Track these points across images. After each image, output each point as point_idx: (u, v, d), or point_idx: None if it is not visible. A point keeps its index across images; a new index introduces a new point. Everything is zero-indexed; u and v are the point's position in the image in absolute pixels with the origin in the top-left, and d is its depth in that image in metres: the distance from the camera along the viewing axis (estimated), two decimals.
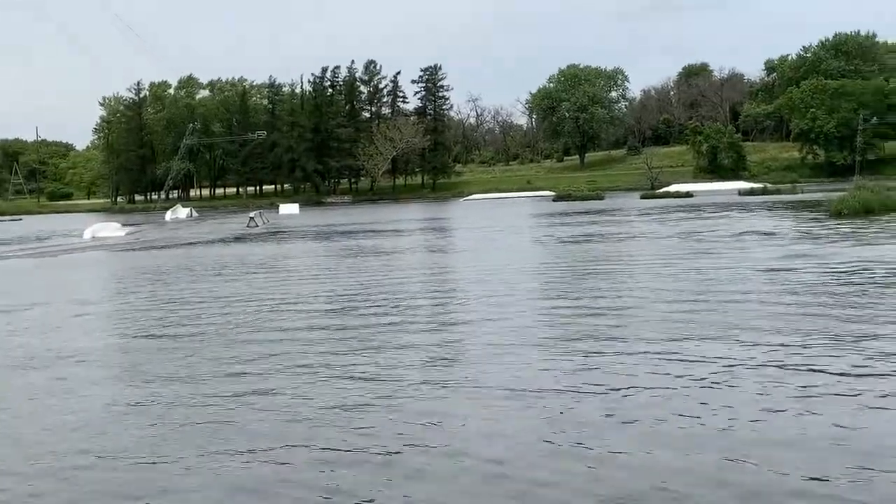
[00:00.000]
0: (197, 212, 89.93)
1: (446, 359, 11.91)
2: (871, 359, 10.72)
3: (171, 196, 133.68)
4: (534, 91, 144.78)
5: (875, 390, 9.38)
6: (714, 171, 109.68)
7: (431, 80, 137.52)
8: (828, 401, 9.09)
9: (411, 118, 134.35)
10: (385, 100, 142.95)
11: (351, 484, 7.35)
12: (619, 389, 9.86)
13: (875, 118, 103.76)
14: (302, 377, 11.16)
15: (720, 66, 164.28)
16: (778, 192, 72.14)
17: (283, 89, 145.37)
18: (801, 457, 7.48)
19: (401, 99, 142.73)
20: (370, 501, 6.99)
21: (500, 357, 11.80)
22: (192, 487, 7.46)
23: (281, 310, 17.42)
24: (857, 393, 9.31)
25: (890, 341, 11.62)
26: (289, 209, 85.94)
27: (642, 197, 77.17)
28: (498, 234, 39.39)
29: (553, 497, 6.91)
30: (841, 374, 10.05)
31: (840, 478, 6.99)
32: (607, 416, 8.93)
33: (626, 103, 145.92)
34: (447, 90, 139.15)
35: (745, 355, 11.16)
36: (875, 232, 29.18)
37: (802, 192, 69.25)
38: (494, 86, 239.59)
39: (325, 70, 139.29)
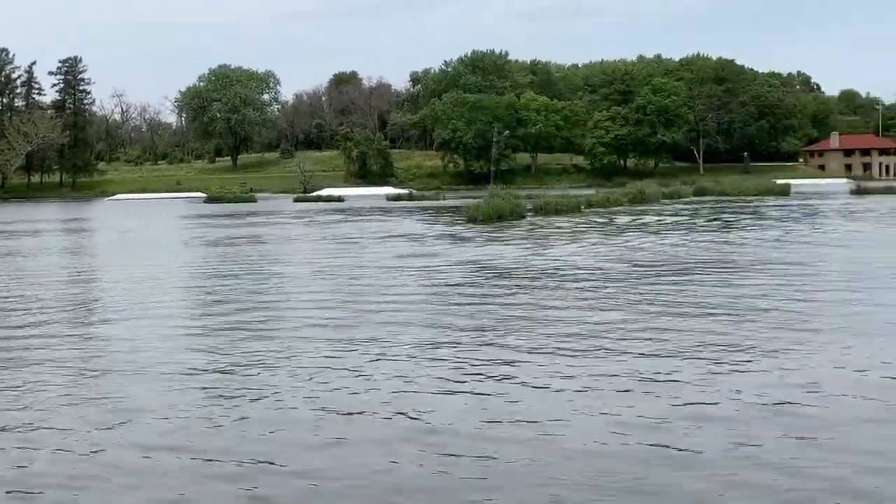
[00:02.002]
0: None
1: (90, 356, 11.32)
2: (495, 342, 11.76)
3: None
4: (183, 89, 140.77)
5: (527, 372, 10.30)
6: (364, 176, 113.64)
7: (71, 72, 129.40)
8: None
9: (48, 112, 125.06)
10: (18, 91, 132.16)
11: None
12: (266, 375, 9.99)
13: (507, 131, 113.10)
14: None
15: (369, 75, 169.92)
16: (423, 197, 76.29)
17: None
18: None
19: (36, 91, 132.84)
20: None
21: (148, 363, 11.44)
22: None
23: None
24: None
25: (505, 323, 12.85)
26: None
27: (295, 200, 78.00)
28: (143, 236, 37.85)
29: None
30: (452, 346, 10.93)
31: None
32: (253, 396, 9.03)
33: (279, 106, 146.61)
34: (88, 84, 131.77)
35: (391, 342, 11.76)
36: (502, 235, 32.08)
37: (444, 199, 73.81)
38: (141, 82, 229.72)
39: None
